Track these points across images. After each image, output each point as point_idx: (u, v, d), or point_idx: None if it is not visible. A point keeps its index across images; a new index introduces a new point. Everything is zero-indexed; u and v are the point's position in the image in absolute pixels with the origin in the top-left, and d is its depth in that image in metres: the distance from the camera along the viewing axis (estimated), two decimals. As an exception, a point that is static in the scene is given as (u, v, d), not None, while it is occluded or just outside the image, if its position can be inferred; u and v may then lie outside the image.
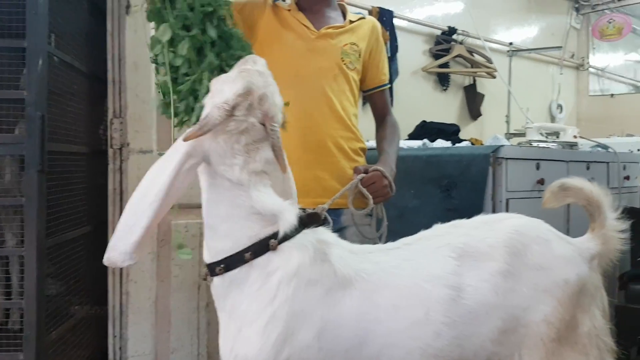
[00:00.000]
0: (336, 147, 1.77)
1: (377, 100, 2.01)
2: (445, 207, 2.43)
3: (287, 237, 1.28)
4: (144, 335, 2.33)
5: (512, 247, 1.36)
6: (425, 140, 2.90)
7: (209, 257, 1.29)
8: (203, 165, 1.24)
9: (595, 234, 1.49)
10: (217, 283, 1.30)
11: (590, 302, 1.40)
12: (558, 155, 2.78)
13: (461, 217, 2.37)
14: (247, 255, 1.25)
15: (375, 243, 1.75)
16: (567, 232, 2.62)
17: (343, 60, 1.84)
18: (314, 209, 1.45)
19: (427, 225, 2.47)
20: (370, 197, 1.62)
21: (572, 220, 2.72)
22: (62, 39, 2.03)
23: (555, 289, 1.36)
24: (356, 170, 1.68)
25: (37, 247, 1.75)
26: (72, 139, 2.15)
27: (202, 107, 1.31)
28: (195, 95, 1.42)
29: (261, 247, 1.26)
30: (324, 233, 1.37)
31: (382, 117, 1.99)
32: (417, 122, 3.45)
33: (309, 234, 1.33)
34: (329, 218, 1.47)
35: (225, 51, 1.44)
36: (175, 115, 1.45)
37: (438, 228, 1.47)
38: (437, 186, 2.48)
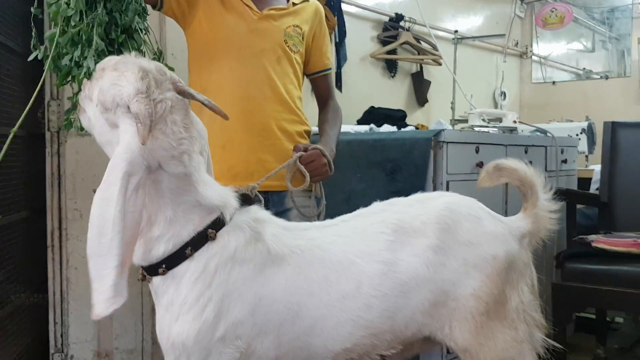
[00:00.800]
0: (280, 130, 1.77)
1: (320, 85, 2.02)
2: (389, 190, 2.47)
3: (223, 221, 1.29)
4: (85, 321, 2.29)
5: (443, 223, 1.41)
6: (372, 125, 2.93)
7: (144, 259, 1.26)
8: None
9: (527, 213, 1.55)
10: (157, 282, 1.29)
11: (519, 278, 1.47)
12: (497, 139, 2.86)
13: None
14: (188, 251, 1.25)
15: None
16: (505, 212, 2.72)
17: (286, 43, 1.84)
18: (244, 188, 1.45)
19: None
20: (307, 174, 1.64)
21: (510, 201, 2.81)
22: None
23: (484, 264, 1.42)
24: (295, 149, 1.69)
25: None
26: (7, 121, 2.08)
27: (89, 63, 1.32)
28: (82, 49, 1.39)
29: (200, 239, 1.26)
30: (258, 211, 1.39)
31: (324, 101, 2.01)
32: (366, 108, 3.48)
33: (244, 214, 1.34)
34: (260, 197, 1.48)
35: (117, 10, 1.42)
36: (61, 69, 1.42)
37: (375, 205, 1.51)
38: (382, 170, 2.52)
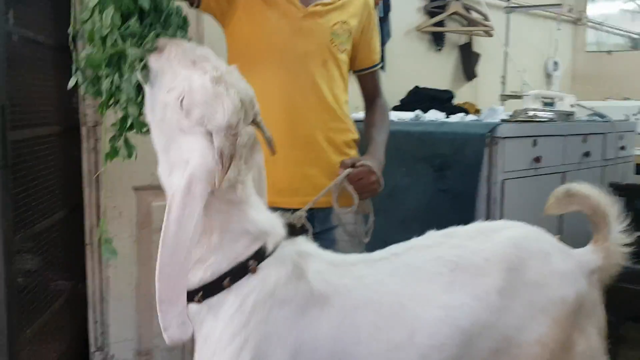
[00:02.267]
0: (326, 141, 1.64)
1: (368, 82, 1.87)
2: (437, 187, 2.35)
3: (267, 253, 1.19)
4: (125, 320, 2.27)
5: (509, 262, 1.28)
6: (418, 112, 2.76)
7: None
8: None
9: (598, 246, 1.41)
10: (194, 310, 1.22)
11: (587, 320, 1.34)
12: (555, 130, 2.68)
13: (454, 199, 2.29)
14: (226, 282, 1.16)
15: (361, 240, 1.67)
16: (561, 228, 2.56)
17: (332, 42, 1.69)
18: (293, 210, 1.39)
19: (418, 205, 2.41)
20: (355, 195, 1.52)
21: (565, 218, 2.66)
22: (22, 12, 1.85)
23: (552, 307, 1.29)
24: (343, 165, 1.56)
25: (3, 248, 1.64)
26: (41, 121, 2.00)
27: (128, 82, 1.16)
28: (120, 69, 1.23)
29: (240, 271, 1.17)
30: (304, 244, 1.29)
31: (372, 99, 1.86)
32: (410, 87, 3.31)
33: (288, 247, 1.24)
34: (308, 225, 1.38)
35: (157, 23, 1.28)
36: (100, 94, 1.29)
37: (430, 237, 1.38)
38: (429, 165, 2.39)
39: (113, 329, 2.25)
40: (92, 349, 2.26)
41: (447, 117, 2.76)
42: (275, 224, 1.23)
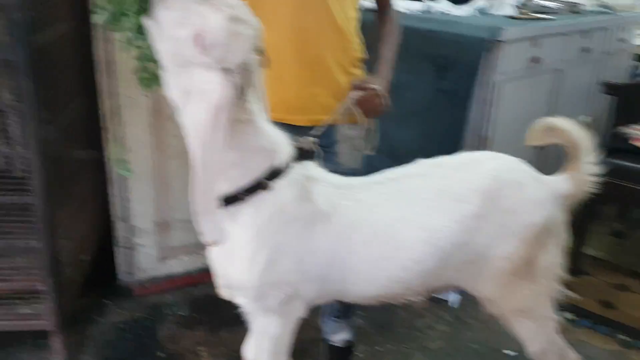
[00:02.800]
0: (334, 62, 1.73)
1: None
2: (437, 87, 2.45)
3: (279, 172, 1.39)
4: (144, 197, 2.50)
5: (487, 191, 1.47)
6: (429, 4, 2.74)
7: None
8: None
9: (570, 174, 1.59)
10: None
11: (551, 240, 1.55)
12: (556, 28, 2.70)
13: (451, 100, 2.41)
14: (243, 195, 1.36)
15: (363, 153, 1.83)
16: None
17: None
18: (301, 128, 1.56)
19: (417, 102, 2.53)
20: (363, 118, 1.66)
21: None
22: None
23: (521, 230, 1.50)
24: (352, 86, 1.68)
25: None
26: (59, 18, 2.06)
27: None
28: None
29: (256, 187, 1.37)
30: (312, 169, 1.48)
31: (382, 9, 1.87)
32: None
33: (298, 170, 1.44)
34: (318, 150, 1.54)
35: None
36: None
37: (421, 165, 1.56)
38: (432, 64, 2.46)
39: (133, 204, 2.50)
40: (114, 218, 2.53)
41: (457, 4, 2.75)
42: (284, 140, 1.42)
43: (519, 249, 1.50)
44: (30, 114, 1.84)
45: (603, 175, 2.76)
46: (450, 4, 2.75)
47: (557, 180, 1.59)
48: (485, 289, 1.56)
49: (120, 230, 2.55)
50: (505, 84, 2.44)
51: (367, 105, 1.67)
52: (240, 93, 1.23)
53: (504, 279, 1.53)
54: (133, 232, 2.54)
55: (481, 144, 2.46)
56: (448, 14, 2.66)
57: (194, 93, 1.22)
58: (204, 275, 2.70)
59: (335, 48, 1.73)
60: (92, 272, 2.48)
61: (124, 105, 2.34)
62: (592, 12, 3.16)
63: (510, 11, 2.70)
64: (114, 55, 2.26)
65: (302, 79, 1.72)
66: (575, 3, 3.02)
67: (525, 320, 1.60)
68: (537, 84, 2.69)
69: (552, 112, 2.86)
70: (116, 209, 2.51)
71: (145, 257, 2.61)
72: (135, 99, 2.34)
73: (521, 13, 2.74)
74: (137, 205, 2.50)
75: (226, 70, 1.21)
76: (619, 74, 3.37)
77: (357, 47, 1.79)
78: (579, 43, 2.84)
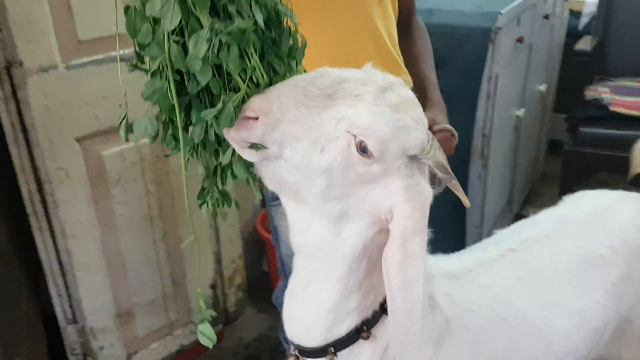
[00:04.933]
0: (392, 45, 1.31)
1: None
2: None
3: None
4: (98, 289, 1.92)
5: (632, 247, 1.18)
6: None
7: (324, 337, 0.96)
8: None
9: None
10: None
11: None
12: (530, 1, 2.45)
13: (449, 100, 2.07)
14: (364, 333, 0.95)
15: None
16: None
17: None
18: None
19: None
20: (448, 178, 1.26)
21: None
22: None
23: None
24: None
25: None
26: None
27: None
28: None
29: (377, 314, 0.96)
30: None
31: (408, 17, 1.47)
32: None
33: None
34: None
35: (271, 52, 0.85)
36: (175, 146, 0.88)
37: (542, 223, 1.22)
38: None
39: (86, 302, 1.90)
40: (62, 323, 1.92)
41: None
42: None
43: None
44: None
45: (589, 146, 2.68)
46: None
47: None
48: (628, 353, 1.27)
49: (71, 337, 1.94)
50: (501, 74, 2.14)
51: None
52: (446, 172, 0.86)
53: None
54: (89, 334, 1.95)
55: (485, 144, 2.17)
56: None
57: (352, 218, 0.85)
58: (180, 358, 2.21)
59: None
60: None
61: (53, 181, 1.72)
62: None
63: None
64: (31, 115, 1.63)
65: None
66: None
67: None
68: (518, 64, 2.44)
69: (525, 90, 2.65)
70: (63, 311, 1.90)
71: (109, 360, 2.03)
72: (65, 169, 1.73)
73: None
74: (89, 301, 1.91)
75: (407, 164, 0.83)
76: (561, 34, 3.25)
77: (404, 68, 1.37)
78: (542, 10, 2.63)
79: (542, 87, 2.97)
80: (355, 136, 0.78)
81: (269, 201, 1.44)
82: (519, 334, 1.10)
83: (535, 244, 1.17)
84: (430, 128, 1.24)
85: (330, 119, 0.78)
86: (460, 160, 2.15)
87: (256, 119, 0.80)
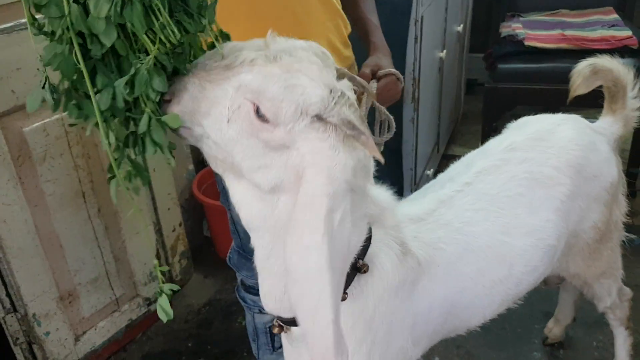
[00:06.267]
0: (330, 48, 1.28)
1: None
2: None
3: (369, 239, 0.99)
4: (36, 273, 1.81)
5: (576, 165, 1.25)
6: None
7: (285, 311, 0.98)
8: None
9: (617, 115, 1.42)
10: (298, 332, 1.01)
11: (619, 191, 1.41)
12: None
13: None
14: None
15: (380, 147, 1.44)
16: None
17: None
18: None
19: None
20: (389, 117, 1.27)
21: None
22: None
23: (604, 194, 1.33)
24: (364, 78, 1.24)
25: None
26: None
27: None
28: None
29: (351, 275, 0.97)
30: (387, 205, 1.09)
31: None
32: None
33: (385, 225, 1.04)
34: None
35: (180, 10, 0.80)
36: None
37: (491, 153, 1.26)
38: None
39: (25, 288, 1.79)
40: (0, 314, 1.81)
41: None
42: (392, 206, 1.06)
43: (604, 214, 1.34)
44: None
45: (507, 82, 2.78)
46: None
47: (607, 126, 1.42)
48: (575, 266, 1.38)
49: (12, 326, 1.84)
50: (425, 16, 2.16)
51: (387, 94, 1.26)
52: (362, 125, 0.80)
53: (590, 249, 1.37)
54: (31, 321, 1.85)
55: (415, 87, 2.20)
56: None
57: (277, 188, 0.83)
58: (130, 333, 2.17)
59: (329, 31, 1.28)
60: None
61: (-28, 164, 1.59)
62: None
63: None
64: None
65: None
66: None
67: (605, 280, 1.48)
68: (439, 6, 2.47)
69: (445, 32, 2.70)
70: (0, 300, 1.79)
71: (56, 345, 1.94)
72: (-11, 147, 1.60)
73: None
74: (28, 287, 1.80)
75: (315, 123, 0.79)
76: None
77: (345, 19, 1.35)
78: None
79: (459, 28, 3.04)
80: (253, 103, 0.77)
81: None
82: (484, 261, 1.15)
83: (487, 174, 1.21)
84: (374, 73, 1.24)
85: (229, 88, 0.77)
86: (393, 105, 2.17)
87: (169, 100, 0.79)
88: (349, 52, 1.37)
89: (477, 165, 1.23)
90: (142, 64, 0.74)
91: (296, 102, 0.76)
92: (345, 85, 0.84)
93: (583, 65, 1.38)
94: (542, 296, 2.13)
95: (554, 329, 1.93)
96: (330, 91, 0.78)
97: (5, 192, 1.67)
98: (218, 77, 0.78)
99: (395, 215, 1.05)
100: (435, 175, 1.44)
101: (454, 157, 1.38)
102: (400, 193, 2.51)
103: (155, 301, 2.20)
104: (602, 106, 1.45)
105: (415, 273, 1.06)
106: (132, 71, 0.74)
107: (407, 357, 1.11)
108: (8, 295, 1.80)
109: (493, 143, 1.31)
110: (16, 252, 1.74)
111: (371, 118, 1.30)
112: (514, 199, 1.19)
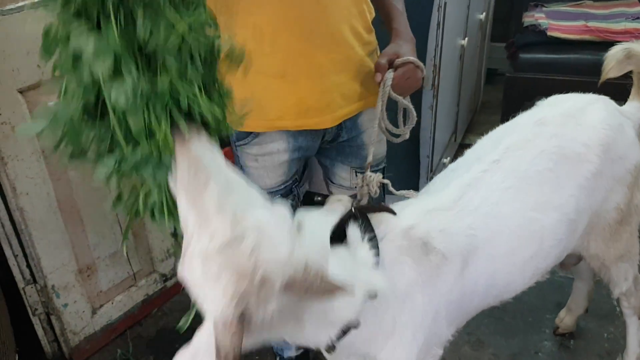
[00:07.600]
0: (352, 33, 1.29)
1: None
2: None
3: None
4: (56, 246, 1.85)
5: (604, 144, 1.27)
6: None
7: None
8: None
9: (640, 100, 1.43)
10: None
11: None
12: None
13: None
14: None
15: (406, 136, 1.42)
16: None
17: None
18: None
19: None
20: (400, 98, 1.26)
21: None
22: None
23: (627, 176, 1.36)
24: (380, 69, 1.23)
25: None
26: None
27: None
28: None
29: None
30: (406, 216, 1.14)
31: None
32: None
33: (390, 235, 1.09)
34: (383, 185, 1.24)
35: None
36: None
37: (522, 126, 1.28)
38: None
39: (45, 260, 1.84)
40: (20, 284, 1.86)
41: None
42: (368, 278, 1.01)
43: (626, 196, 1.36)
44: None
45: (528, 71, 2.76)
46: None
47: (635, 110, 1.44)
48: (595, 246, 1.40)
49: (31, 297, 1.88)
50: (448, 2, 2.15)
51: (405, 83, 1.26)
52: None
53: (611, 230, 1.39)
54: (50, 293, 1.89)
55: (435, 74, 2.20)
56: None
57: None
58: (146, 308, 2.21)
59: (350, 13, 1.27)
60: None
61: (0, 137, 1.62)
62: None
63: None
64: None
65: (318, 68, 1.25)
66: None
67: (622, 264, 1.49)
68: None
69: (468, 19, 2.68)
70: (20, 271, 1.83)
71: (73, 317, 1.99)
72: (10, 123, 1.63)
73: None
74: (48, 259, 1.85)
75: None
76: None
77: (370, 4, 1.35)
78: None
79: (482, 16, 3.02)
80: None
81: (234, 142, 1.42)
82: (516, 241, 1.18)
83: (517, 149, 1.22)
84: (392, 62, 1.24)
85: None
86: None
87: None
88: (371, 38, 1.37)
89: (507, 140, 1.24)
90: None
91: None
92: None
93: (617, 49, 1.40)
94: (555, 287, 2.14)
95: (566, 318, 1.94)
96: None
97: (29, 165, 1.71)
98: None
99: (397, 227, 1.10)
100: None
101: (471, 147, 1.38)
102: (416, 180, 2.50)
103: (171, 277, 2.24)
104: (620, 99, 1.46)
105: (437, 269, 1.08)
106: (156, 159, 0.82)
107: (442, 340, 1.18)
108: (28, 266, 1.85)
109: (523, 117, 1.32)
110: (37, 225, 1.78)
111: (394, 106, 1.32)
112: (542, 173, 1.20)
